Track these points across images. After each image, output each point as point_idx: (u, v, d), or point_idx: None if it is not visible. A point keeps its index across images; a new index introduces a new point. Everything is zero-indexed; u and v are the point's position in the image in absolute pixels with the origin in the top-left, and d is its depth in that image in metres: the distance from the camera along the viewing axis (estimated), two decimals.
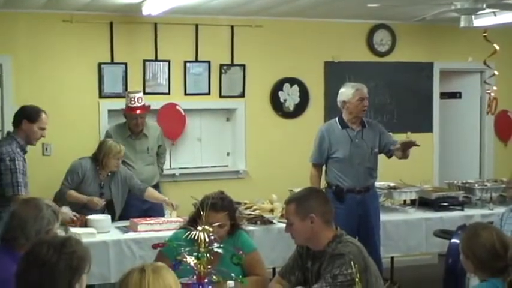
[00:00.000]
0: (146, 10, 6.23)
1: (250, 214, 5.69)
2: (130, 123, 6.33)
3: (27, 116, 5.16)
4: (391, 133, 5.93)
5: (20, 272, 2.51)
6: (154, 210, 5.93)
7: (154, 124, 6.64)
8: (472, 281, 3.38)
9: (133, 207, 5.97)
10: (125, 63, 6.85)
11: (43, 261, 2.46)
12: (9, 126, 6.45)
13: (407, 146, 5.59)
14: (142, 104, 6.31)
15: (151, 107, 6.54)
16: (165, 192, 6.64)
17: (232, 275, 3.46)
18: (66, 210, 5.32)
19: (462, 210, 6.37)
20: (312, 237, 3.54)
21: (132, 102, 6.26)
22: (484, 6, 5.17)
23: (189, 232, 3.34)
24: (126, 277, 2.32)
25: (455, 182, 6.81)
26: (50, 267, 2.45)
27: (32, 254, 2.52)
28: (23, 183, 5.00)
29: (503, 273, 3.08)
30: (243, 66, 7.26)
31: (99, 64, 6.78)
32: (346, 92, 5.68)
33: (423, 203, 6.46)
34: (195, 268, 3.22)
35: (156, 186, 6.45)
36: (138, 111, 6.26)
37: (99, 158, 5.82)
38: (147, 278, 2.28)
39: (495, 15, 6.10)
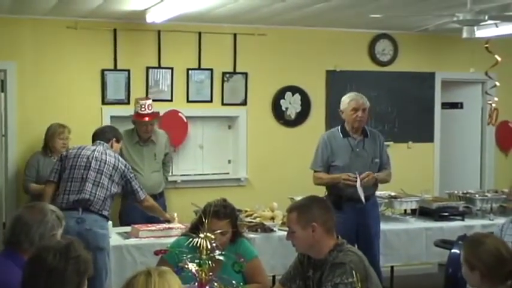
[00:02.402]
0: (150, 18, 6.27)
1: (251, 222, 5.70)
2: (140, 130, 6.44)
3: (117, 136, 5.60)
4: (389, 145, 5.88)
5: (26, 279, 2.52)
6: (157, 218, 5.91)
7: (162, 131, 6.70)
8: None
9: (138, 213, 5.95)
10: (128, 70, 6.89)
11: (50, 268, 2.47)
12: (12, 131, 6.52)
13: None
14: (152, 111, 6.41)
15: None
16: (167, 199, 6.68)
17: (234, 282, 3.47)
18: None
19: (462, 220, 6.37)
20: (313, 245, 3.55)
21: (142, 109, 6.36)
22: (486, 17, 5.19)
23: (191, 239, 3.35)
24: (132, 279, 2.34)
25: (456, 192, 6.82)
26: (58, 273, 2.47)
27: (38, 260, 2.52)
28: None
29: (508, 279, 3.09)
30: (245, 74, 7.29)
31: (103, 71, 6.82)
32: (343, 101, 5.70)
33: (424, 212, 6.47)
34: (197, 275, 3.23)
35: (161, 194, 6.53)
36: (146, 118, 6.37)
37: (47, 143, 6.25)
38: (153, 281, 2.31)
39: (497, 26, 6.13)
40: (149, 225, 5.54)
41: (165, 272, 2.38)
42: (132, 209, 5.86)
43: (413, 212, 6.58)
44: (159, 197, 6.42)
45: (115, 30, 6.81)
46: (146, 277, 2.33)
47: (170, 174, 6.90)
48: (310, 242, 3.54)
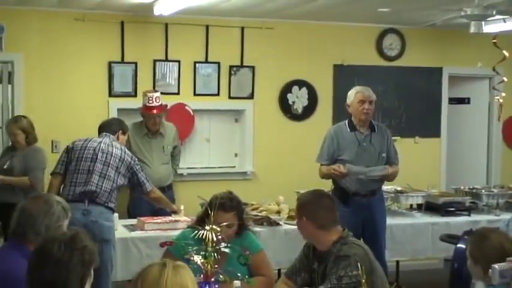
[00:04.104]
0: (158, 10, 6.27)
1: (256, 215, 5.70)
2: (148, 122, 6.47)
3: (123, 128, 5.61)
4: (396, 139, 5.87)
5: (31, 270, 2.52)
6: (164, 210, 5.92)
7: (170, 124, 6.72)
8: (477, 286, 3.38)
9: (146, 206, 5.95)
10: (135, 63, 6.90)
11: (56, 259, 2.48)
12: None
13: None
14: (160, 103, 6.43)
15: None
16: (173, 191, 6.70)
17: (239, 274, 3.49)
18: None
19: (469, 215, 6.36)
20: (311, 237, 3.67)
21: (150, 102, 6.38)
22: (494, 12, 5.18)
23: (196, 231, 3.36)
24: (146, 269, 2.36)
25: (462, 187, 6.81)
26: (63, 264, 2.47)
27: (43, 251, 2.53)
28: None
29: None
30: (253, 67, 7.29)
31: (110, 63, 6.83)
32: (350, 95, 5.67)
33: (430, 207, 6.47)
34: (202, 267, 3.24)
35: (170, 187, 6.55)
36: (155, 111, 6.40)
37: None
38: (166, 273, 2.31)
39: (505, 21, 6.10)
40: (155, 217, 5.55)
41: (180, 266, 2.39)
42: (141, 202, 5.87)
43: (419, 207, 6.57)
44: (167, 189, 6.44)
45: (122, 22, 6.82)
46: (160, 268, 2.34)
47: (179, 167, 6.90)
48: (307, 233, 3.66)
